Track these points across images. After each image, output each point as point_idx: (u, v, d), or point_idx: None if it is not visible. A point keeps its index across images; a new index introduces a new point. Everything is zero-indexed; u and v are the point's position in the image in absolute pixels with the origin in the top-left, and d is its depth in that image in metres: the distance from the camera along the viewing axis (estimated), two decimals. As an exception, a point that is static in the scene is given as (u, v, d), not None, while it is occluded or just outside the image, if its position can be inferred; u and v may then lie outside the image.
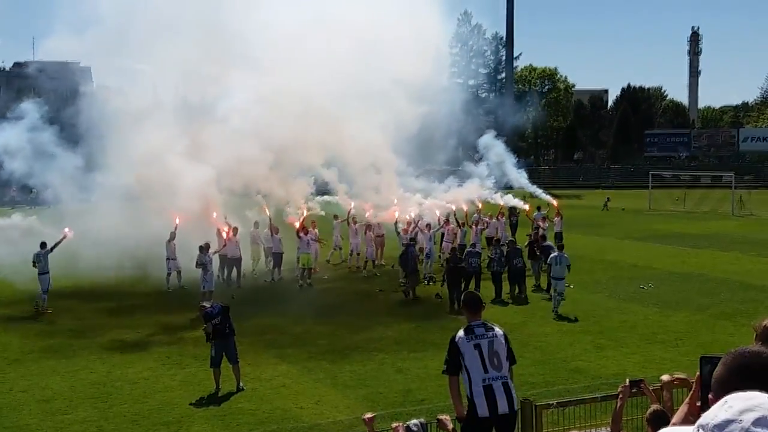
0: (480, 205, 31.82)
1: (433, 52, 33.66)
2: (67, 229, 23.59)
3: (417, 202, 30.52)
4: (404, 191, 31.10)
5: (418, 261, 25.28)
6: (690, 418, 2.59)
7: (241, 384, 14.62)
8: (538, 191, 34.69)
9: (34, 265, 22.11)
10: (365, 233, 28.84)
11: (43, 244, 22.43)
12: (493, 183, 33.20)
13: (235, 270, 25.67)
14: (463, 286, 22.10)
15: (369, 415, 7.20)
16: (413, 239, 26.25)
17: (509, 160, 35.72)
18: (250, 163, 26.39)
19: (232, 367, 14.66)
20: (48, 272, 22.24)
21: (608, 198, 60.42)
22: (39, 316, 21.58)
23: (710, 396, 2.34)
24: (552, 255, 22.10)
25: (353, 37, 28.53)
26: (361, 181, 30.47)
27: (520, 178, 35.15)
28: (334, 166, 30.66)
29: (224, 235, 25.46)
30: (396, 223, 27.90)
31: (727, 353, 2.38)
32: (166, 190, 26.11)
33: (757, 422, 1.91)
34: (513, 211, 34.11)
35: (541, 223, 31.02)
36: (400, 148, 30.69)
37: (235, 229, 25.89)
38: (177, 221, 25.13)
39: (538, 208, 33.63)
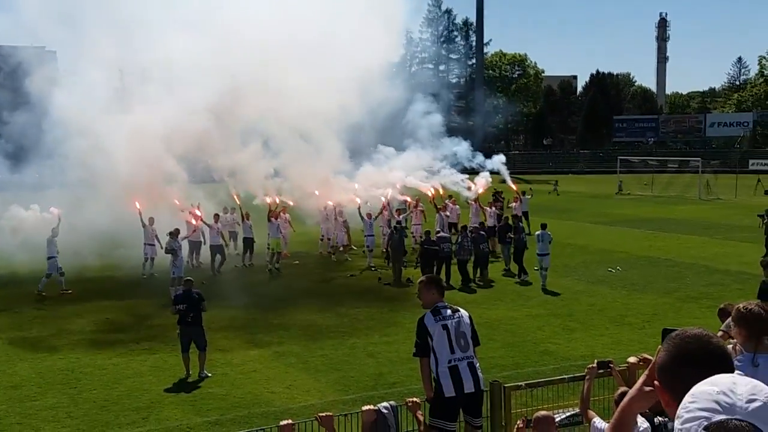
0: (441, 191, 31.59)
1: (394, 36, 33.50)
2: (54, 209, 23.98)
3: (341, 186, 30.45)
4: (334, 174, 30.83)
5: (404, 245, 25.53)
6: (644, 389, 2.57)
7: (204, 371, 14.46)
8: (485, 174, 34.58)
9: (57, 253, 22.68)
10: (335, 219, 28.86)
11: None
12: (451, 166, 33.18)
13: (219, 257, 25.58)
14: (435, 269, 22.36)
15: (324, 414, 6.73)
16: (399, 222, 26.74)
17: (464, 145, 35.56)
18: (192, 116, 25.88)
19: (198, 354, 14.54)
20: (55, 256, 22.54)
21: (556, 182, 61.37)
22: (50, 299, 21.84)
23: (656, 383, 2.31)
24: (536, 233, 23.42)
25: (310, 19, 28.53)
26: (288, 156, 29.78)
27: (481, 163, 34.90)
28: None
29: (193, 221, 25.36)
30: (359, 208, 28.06)
31: (667, 338, 2.32)
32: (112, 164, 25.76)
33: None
34: (498, 196, 34.07)
35: (514, 204, 31.49)
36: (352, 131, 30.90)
37: (216, 216, 25.93)
38: (138, 205, 24.80)
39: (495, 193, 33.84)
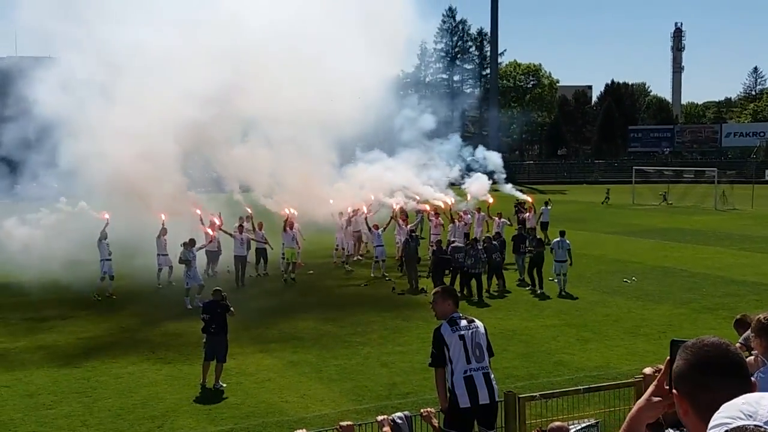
0: (451, 201, 31.43)
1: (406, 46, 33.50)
2: (106, 215, 24.27)
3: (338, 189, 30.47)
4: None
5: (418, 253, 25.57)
6: (652, 399, 2.60)
7: (219, 383, 14.37)
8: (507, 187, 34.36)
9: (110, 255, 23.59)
10: (346, 228, 28.87)
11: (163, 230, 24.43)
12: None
13: (240, 268, 25.30)
14: (450, 279, 22.54)
15: (345, 423, 6.81)
16: (414, 230, 26.93)
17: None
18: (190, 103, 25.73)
19: (216, 364, 14.52)
20: (108, 259, 23.44)
21: (608, 190, 59.43)
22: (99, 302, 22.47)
23: (674, 391, 2.30)
24: (554, 240, 24.33)
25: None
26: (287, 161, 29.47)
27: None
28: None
29: (209, 231, 25.49)
30: (366, 219, 28.25)
31: (683, 347, 2.32)
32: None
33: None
34: (521, 206, 33.90)
35: (528, 215, 31.47)
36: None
37: (241, 227, 25.80)
38: (163, 217, 25.07)
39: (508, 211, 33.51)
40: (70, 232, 25.35)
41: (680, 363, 2.30)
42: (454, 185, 33.62)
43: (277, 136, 29.20)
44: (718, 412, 1.99)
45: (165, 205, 25.40)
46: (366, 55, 29.58)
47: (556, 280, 23.44)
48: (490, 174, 33.88)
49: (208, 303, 15.03)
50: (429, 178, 31.78)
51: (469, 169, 34.12)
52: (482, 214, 30.82)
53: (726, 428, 1.90)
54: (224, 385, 14.40)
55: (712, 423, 1.97)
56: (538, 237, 24.07)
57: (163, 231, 24.81)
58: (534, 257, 23.78)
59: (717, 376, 2.18)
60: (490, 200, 31.19)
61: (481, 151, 35.63)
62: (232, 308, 14.88)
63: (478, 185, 31.79)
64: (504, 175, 35.11)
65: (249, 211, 27.99)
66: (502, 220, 29.82)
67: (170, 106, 25.57)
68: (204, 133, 26.93)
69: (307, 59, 28.20)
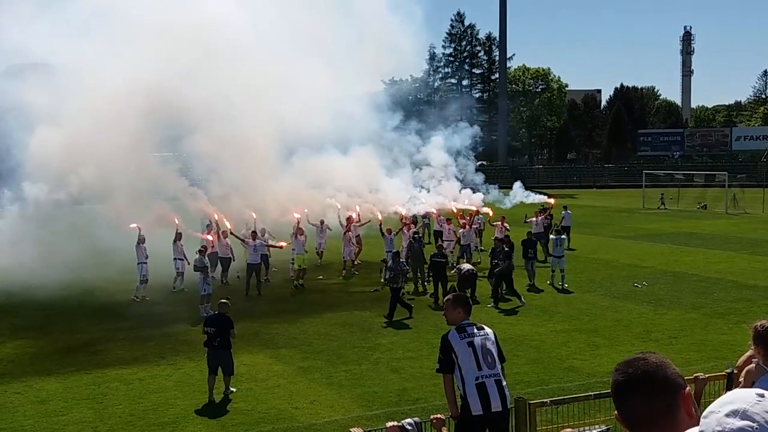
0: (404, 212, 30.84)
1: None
2: (134, 225, 24.46)
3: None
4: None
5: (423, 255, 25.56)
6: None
7: (230, 389, 14.36)
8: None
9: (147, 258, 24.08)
10: (344, 234, 28.70)
11: (142, 239, 24.28)
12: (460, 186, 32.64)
13: (255, 276, 25.02)
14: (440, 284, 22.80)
15: (355, 429, 6.69)
16: (417, 233, 27.12)
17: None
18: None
19: (224, 378, 14.37)
20: (141, 263, 23.95)
21: (662, 195, 57.92)
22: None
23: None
24: (551, 237, 26.18)
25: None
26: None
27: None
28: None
29: (209, 237, 25.66)
30: (380, 224, 28.16)
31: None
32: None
33: (732, 413, 2.02)
34: (545, 211, 33.64)
35: (533, 219, 31.40)
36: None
37: (254, 234, 25.53)
38: (177, 221, 25.27)
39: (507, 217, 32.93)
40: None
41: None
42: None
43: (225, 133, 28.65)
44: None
45: (131, 213, 25.40)
46: (349, 63, 29.52)
47: (550, 281, 24.60)
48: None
49: (213, 316, 14.84)
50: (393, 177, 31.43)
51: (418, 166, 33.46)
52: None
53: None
54: (234, 389, 14.38)
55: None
56: (506, 249, 23.57)
57: (178, 236, 24.91)
58: (501, 270, 22.56)
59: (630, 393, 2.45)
60: (490, 213, 31.14)
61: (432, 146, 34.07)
62: (234, 329, 14.52)
63: (473, 198, 31.60)
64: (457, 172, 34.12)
65: (253, 216, 27.83)
66: (505, 224, 29.75)
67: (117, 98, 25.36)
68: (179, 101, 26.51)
69: (283, 64, 28.20)
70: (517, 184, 35.02)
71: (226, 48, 27.36)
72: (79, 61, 27.08)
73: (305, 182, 29.41)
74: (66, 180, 25.78)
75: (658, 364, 2.47)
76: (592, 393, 8.85)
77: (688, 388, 2.44)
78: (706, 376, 7.78)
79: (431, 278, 23.91)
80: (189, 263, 24.36)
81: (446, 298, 8.83)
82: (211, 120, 27.42)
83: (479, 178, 35.12)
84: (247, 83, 27.60)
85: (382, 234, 27.66)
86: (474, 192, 32.25)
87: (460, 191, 31.79)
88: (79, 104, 25.78)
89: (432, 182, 32.20)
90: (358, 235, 29.56)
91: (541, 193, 35.60)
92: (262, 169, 28.66)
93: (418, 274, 25.01)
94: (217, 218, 26.62)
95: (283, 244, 26.88)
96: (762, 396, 2.05)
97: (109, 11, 27.33)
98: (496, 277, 22.65)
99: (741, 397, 2.06)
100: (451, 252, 28.93)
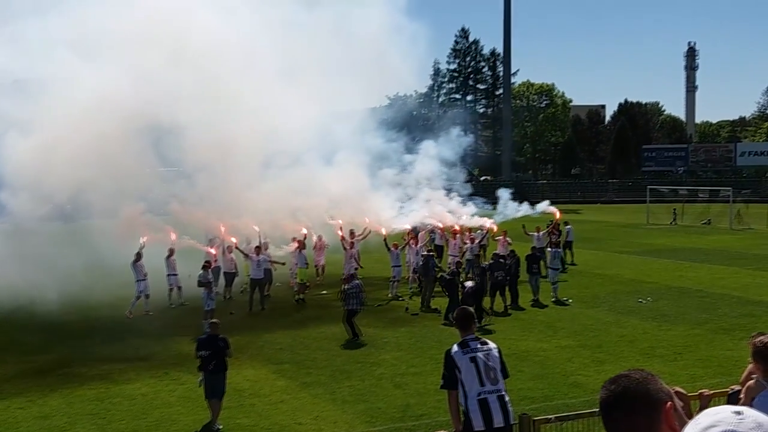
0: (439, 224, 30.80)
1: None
2: (143, 239, 24.49)
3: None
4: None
5: (436, 271, 25.56)
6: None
7: (217, 424, 13.29)
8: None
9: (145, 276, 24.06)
10: (347, 250, 28.43)
11: (138, 255, 24.11)
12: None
13: (259, 291, 24.94)
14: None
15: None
16: (431, 250, 27.22)
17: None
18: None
19: (214, 401, 13.43)
20: (140, 280, 23.90)
21: (675, 210, 58.07)
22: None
23: None
24: (549, 250, 27.15)
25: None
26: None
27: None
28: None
29: (212, 251, 25.66)
30: (385, 239, 28.06)
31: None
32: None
33: None
34: (556, 227, 33.52)
35: (534, 234, 31.32)
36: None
37: (258, 249, 25.48)
38: (173, 236, 25.28)
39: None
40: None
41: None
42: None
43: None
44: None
45: (123, 228, 25.39)
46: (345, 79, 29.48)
47: (552, 297, 24.99)
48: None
49: (205, 339, 13.75)
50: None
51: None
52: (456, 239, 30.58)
53: None
54: (221, 426, 13.39)
55: None
56: (482, 266, 23.36)
57: (171, 251, 24.98)
58: (474, 288, 21.81)
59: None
60: (495, 227, 30.91)
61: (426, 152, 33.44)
62: (231, 349, 13.87)
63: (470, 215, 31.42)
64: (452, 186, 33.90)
65: (257, 229, 27.78)
66: (507, 239, 29.73)
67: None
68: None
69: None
70: (506, 194, 34.37)
71: (216, 66, 27.19)
72: (58, 72, 26.91)
73: (290, 192, 28.92)
74: (44, 192, 25.50)
75: (640, 380, 2.53)
76: (597, 409, 8.82)
77: (670, 403, 2.47)
78: (711, 392, 7.74)
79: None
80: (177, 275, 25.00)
81: (455, 313, 8.87)
82: (192, 128, 27.13)
83: (466, 189, 34.79)
84: (233, 97, 27.45)
85: (388, 249, 27.54)
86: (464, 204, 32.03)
87: (464, 207, 31.67)
88: (54, 114, 25.54)
89: (419, 192, 31.85)
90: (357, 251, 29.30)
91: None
92: (240, 178, 28.37)
93: (427, 292, 24.91)
94: (222, 232, 26.62)
95: (285, 262, 27.04)
96: (740, 413, 2.08)
97: (89, 23, 27.01)
98: (471, 297, 21.14)
99: (721, 418, 2.08)
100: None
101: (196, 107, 26.47)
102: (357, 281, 21.11)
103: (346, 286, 21.08)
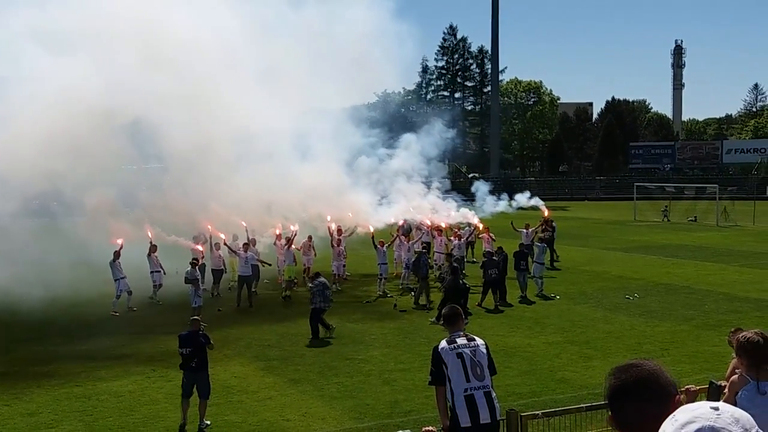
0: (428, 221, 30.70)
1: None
2: (119, 240, 24.40)
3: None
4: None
5: (429, 269, 25.61)
6: None
7: (204, 421, 13.20)
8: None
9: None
10: (334, 247, 28.39)
11: (116, 253, 24.01)
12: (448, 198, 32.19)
13: (247, 288, 24.88)
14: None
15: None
16: (425, 247, 27.30)
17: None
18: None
19: (200, 402, 13.27)
20: (119, 278, 23.86)
21: (666, 207, 58.35)
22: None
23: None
24: (536, 245, 27.61)
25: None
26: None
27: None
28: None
29: (199, 247, 25.69)
30: (372, 237, 28.04)
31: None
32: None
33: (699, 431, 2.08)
34: (548, 223, 33.41)
35: (524, 231, 31.35)
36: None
37: (246, 245, 25.51)
38: (150, 234, 25.34)
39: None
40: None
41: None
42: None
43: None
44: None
45: (91, 220, 25.33)
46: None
47: (538, 292, 25.18)
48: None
49: (187, 335, 13.44)
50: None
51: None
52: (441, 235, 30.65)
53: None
54: (209, 423, 13.30)
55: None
56: (453, 265, 23.22)
57: (152, 248, 24.93)
58: (446, 290, 21.41)
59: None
60: (480, 225, 30.81)
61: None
62: (212, 342, 13.78)
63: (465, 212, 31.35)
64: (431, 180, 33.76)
65: (244, 224, 27.72)
66: (490, 235, 29.73)
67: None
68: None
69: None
70: (484, 187, 34.25)
71: (193, 63, 26.95)
72: (24, 68, 26.65)
73: (264, 188, 28.63)
74: (11, 187, 25.27)
75: (652, 371, 2.53)
76: (584, 405, 8.85)
77: (680, 396, 2.50)
78: (697, 388, 7.80)
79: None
80: (165, 273, 25.06)
81: (444, 310, 8.89)
82: (168, 125, 26.92)
83: (445, 184, 34.70)
84: (211, 95, 27.23)
85: (375, 246, 27.52)
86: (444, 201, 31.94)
87: (455, 206, 31.62)
88: (24, 112, 25.30)
89: (395, 184, 31.75)
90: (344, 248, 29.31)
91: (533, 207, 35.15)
92: (217, 172, 28.13)
93: (417, 286, 24.99)
94: (210, 229, 26.55)
95: (272, 263, 27.26)
96: (717, 408, 2.12)
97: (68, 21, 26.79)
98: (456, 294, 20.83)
99: (699, 414, 2.11)
100: (440, 266, 28.52)
101: (172, 104, 26.32)
102: (321, 279, 20.69)
103: (310, 284, 20.83)
